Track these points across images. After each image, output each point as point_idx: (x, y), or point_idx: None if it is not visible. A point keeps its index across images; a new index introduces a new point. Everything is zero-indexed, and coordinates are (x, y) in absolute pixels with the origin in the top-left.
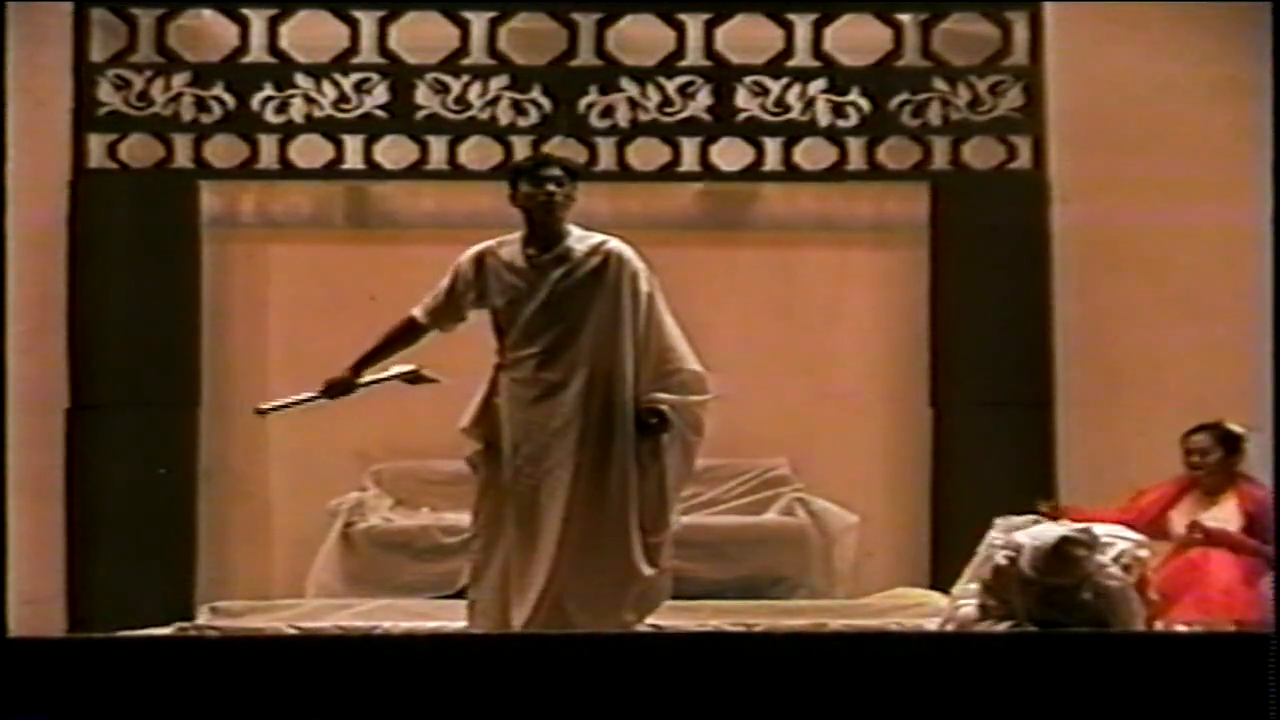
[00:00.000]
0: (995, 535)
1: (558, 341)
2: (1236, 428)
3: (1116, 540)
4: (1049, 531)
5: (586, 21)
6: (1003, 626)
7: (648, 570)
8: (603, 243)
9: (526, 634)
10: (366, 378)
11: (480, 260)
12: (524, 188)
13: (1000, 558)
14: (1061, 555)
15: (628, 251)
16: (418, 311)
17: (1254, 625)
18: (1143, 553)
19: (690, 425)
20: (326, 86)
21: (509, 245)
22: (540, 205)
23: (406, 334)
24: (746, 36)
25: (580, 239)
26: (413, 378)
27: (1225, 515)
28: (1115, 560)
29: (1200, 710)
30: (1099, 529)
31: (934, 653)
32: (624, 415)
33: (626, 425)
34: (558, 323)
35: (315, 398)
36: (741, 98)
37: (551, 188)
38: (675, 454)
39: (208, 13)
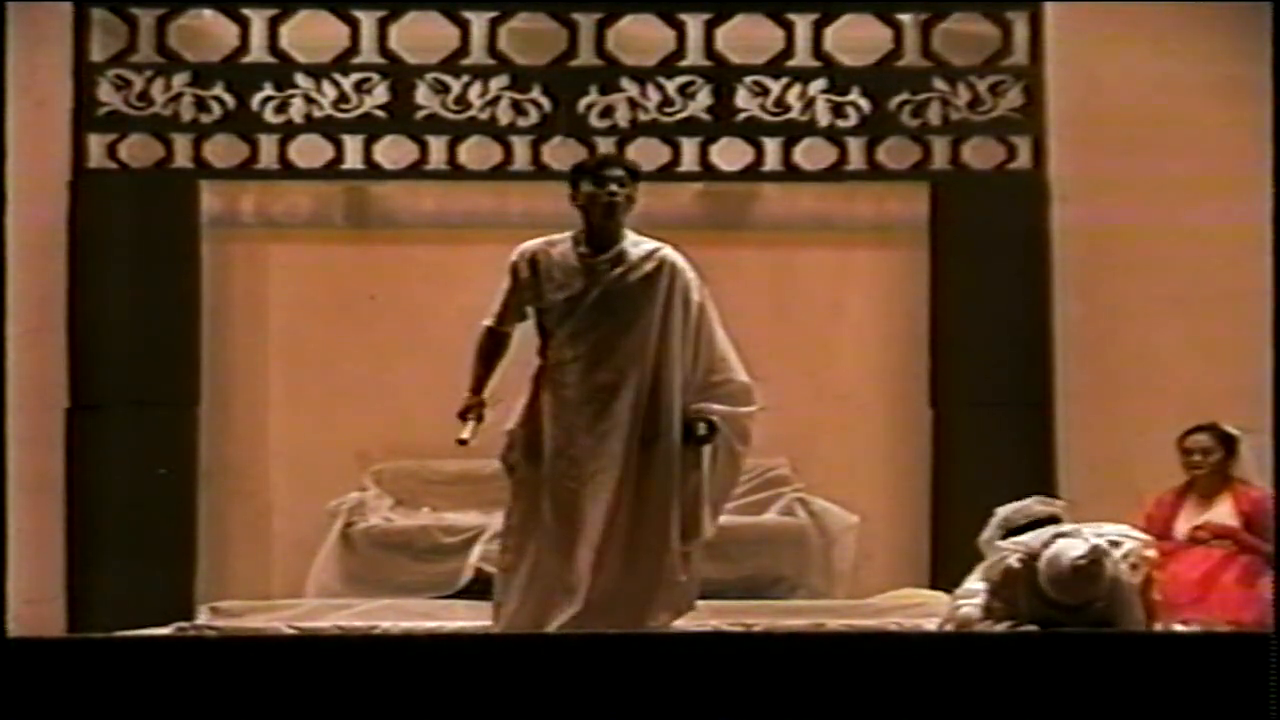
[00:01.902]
0: (1001, 519)
1: (607, 344)
2: (1231, 428)
3: (1124, 540)
4: (1061, 555)
5: (586, 21)
6: (1002, 626)
7: (681, 577)
8: (657, 249)
9: (526, 634)
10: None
11: (534, 259)
12: (586, 187)
13: (1013, 560)
14: (1081, 577)
15: (681, 260)
16: (490, 321)
17: (1253, 625)
18: (1149, 553)
19: (738, 435)
20: (326, 86)
21: (560, 245)
22: (602, 206)
23: (496, 345)
24: (746, 36)
25: (635, 243)
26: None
27: (1223, 516)
28: (1123, 558)
29: (1200, 710)
30: (1107, 529)
31: (934, 653)
32: (670, 422)
33: (672, 432)
34: (608, 324)
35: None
36: (741, 98)
37: (614, 188)
38: (721, 463)
39: (208, 13)
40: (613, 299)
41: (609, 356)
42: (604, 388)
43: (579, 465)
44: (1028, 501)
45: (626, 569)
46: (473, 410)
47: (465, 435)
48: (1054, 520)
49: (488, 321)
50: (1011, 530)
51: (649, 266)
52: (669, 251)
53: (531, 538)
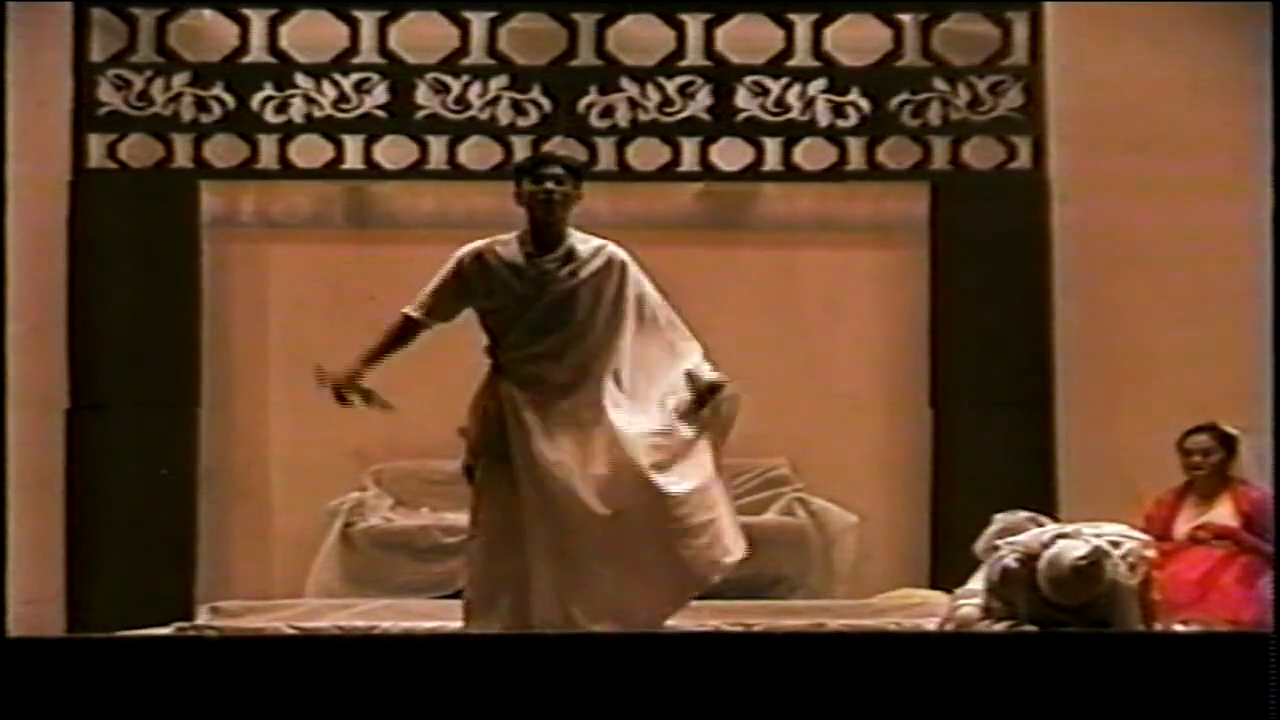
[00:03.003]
0: (994, 532)
1: (562, 342)
2: (1230, 428)
3: (1124, 540)
4: (1060, 556)
5: (586, 21)
6: (1001, 626)
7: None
8: (603, 246)
9: (525, 633)
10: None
11: (481, 257)
12: (526, 185)
13: (1011, 560)
14: (1080, 578)
15: (626, 255)
16: (414, 311)
17: (1253, 625)
18: (1149, 553)
19: (728, 418)
20: (326, 86)
21: (507, 244)
22: (541, 204)
23: (405, 334)
24: (746, 36)
25: (582, 240)
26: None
27: (1223, 516)
28: (1123, 559)
29: (1200, 710)
30: (1107, 529)
31: (934, 653)
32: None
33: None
34: (563, 323)
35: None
36: (741, 98)
37: (551, 186)
38: (714, 441)
39: (208, 13)
40: (565, 299)
41: (565, 354)
42: (562, 387)
43: (540, 463)
44: (1021, 518)
45: (602, 564)
46: (349, 388)
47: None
48: None
49: (411, 310)
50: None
51: (597, 264)
52: (614, 248)
53: (500, 538)
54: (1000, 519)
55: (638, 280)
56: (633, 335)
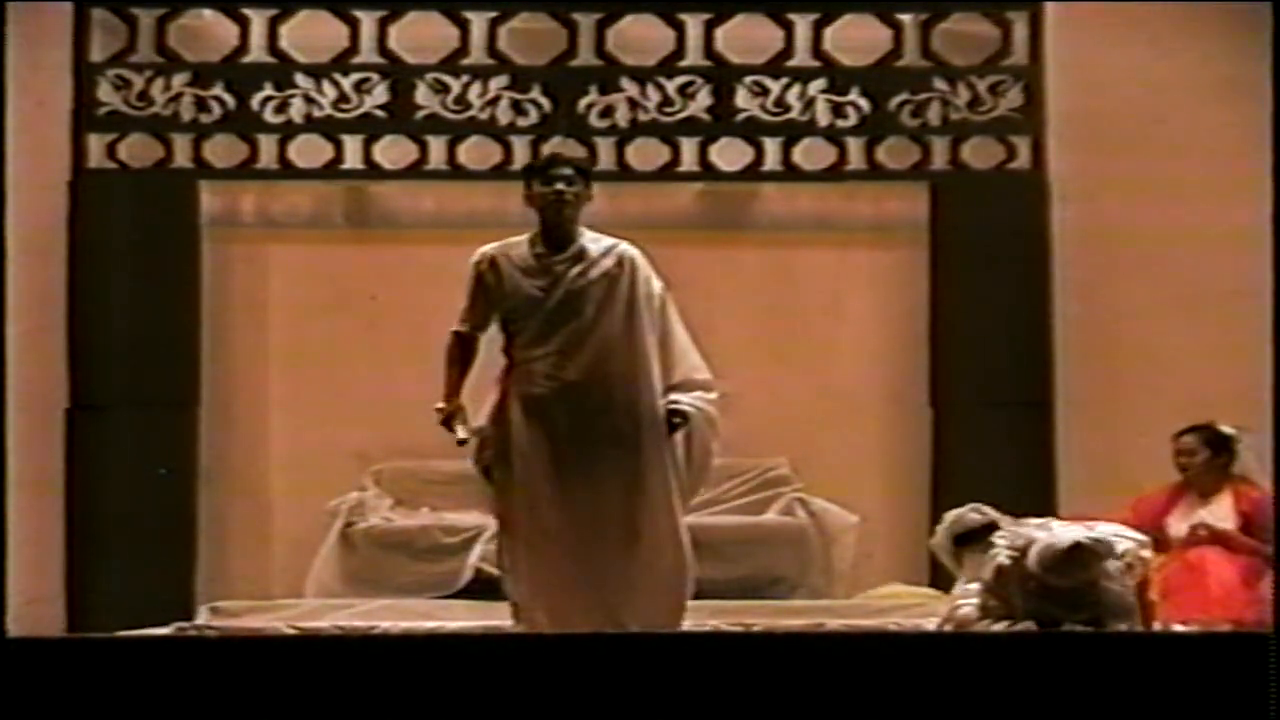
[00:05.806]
0: (946, 529)
1: (574, 342)
2: (1226, 429)
3: (1121, 539)
4: (1064, 533)
5: (586, 21)
6: (1000, 626)
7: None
8: (615, 245)
9: (525, 634)
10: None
11: (494, 261)
12: (536, 187)
13: (1003, 557)
14: (1072, 559)
15: (640, 256)
16: (459, 326)
17: (1252, 625)
18: (1145, 553)
19: (708, 423)
20: (326, 86)
21: (518, 246)
22: (550, 204)
23: (466, 349)
24: (746, 36)
25: (594, 240)
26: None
27: (1220, 515)
28: (1119, 558)
29: (1200, 710)
30: (1104, 528)
31: (933, 653)
32: (645, 415)
33: (652, 425)
34: (573, 323)
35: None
36: (741, 98)
37: (561, 187)
38: (696, 452)
39: (208, 13)
40: (575, 298)
41: (576, 354)
42: (574, 385)
43: (556, 464)
44: (964, 510)
45: (616, 561)
46: (455, 416)
47: (463, 434)
48: (993, 528)
49: (456, 326)
50: (957, 538)
51: (609, 263)
52: (627, 247)
53: (523, 537)
54: (951, 515)
55: (649, 279)
56: (648, 336)
